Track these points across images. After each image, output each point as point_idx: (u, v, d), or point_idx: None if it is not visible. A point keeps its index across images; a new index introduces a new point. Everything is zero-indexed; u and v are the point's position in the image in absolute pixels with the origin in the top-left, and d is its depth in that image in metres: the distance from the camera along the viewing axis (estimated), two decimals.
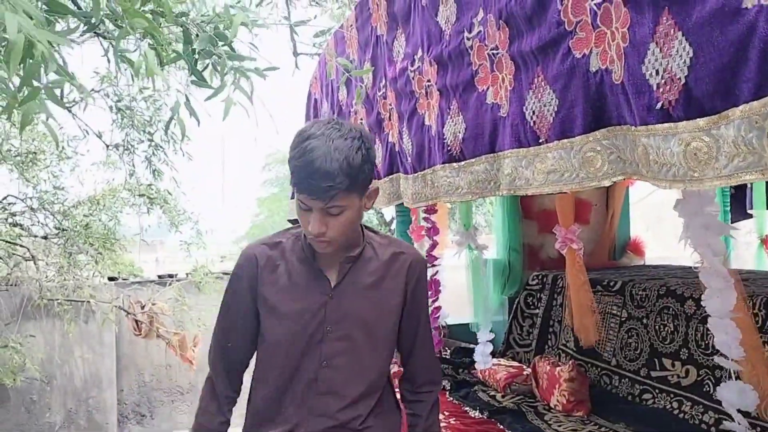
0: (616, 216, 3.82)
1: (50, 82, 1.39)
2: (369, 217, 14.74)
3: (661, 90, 1.12)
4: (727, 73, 0.99)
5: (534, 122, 1.54)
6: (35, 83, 1.41)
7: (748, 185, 3.97)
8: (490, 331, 2.79)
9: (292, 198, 3.87)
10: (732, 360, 1.55)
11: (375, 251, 1.62)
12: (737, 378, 1.61)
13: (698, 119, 1.05)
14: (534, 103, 1.54)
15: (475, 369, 3.08)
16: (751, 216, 4.06)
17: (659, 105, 1.13)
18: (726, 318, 1.54)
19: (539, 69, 1.51)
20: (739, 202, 4.10)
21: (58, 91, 1.59)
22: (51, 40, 1.23)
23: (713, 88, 1.02)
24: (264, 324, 1.58)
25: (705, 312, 1.64)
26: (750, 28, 0.94)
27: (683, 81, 1.07)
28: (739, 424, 1.60)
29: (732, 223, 4.10)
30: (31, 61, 1.31)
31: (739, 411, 1.61)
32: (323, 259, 1.56)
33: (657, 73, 1.13)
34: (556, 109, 1.46)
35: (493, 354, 3.34)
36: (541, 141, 1.52)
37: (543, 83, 1.50)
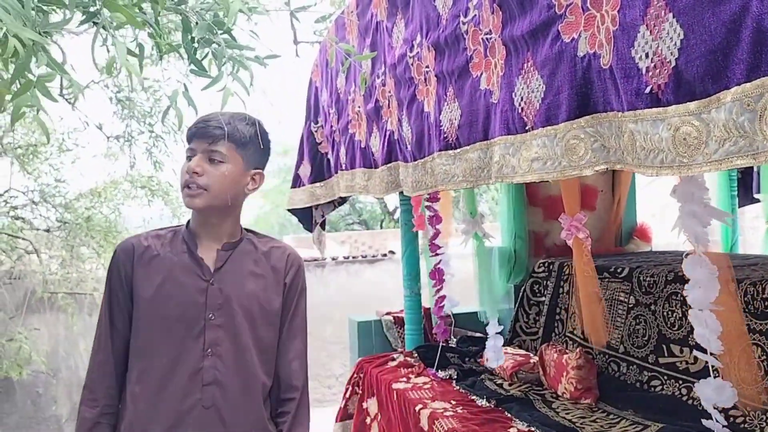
0: (622, 202, 3.78)
1: (41, 75, 1.36)
2: (372, 206, 14.72)
3: (650, 73, 1.10)
4: (718, 55, 0.97)
5: (522, 109, 1.52)
6: (28, 76, 1.38)
7: (755, 170, 3.94)
8: (498, 322, 2.75)
9: (293, 187, 3.85)
10: (711, 354, 1.52)
11: (254, 245, 1.68)
12: (716, 373, 1.57)
13: (688, 103, 1.03)
14: (523, 89, 1.52)
15: (481, 357, 3.06)
16: (758, 201, 4.02)
17: (648, 89, 1.11)
18: (706, 310, 1.50)
19: (529, 54, 1.49)
20: (746, 187, 4.06)
21: (57, 84, 1.56)
22: (33, 39, 1.20)
23: (704, 71, 0.99)
24: (138, 315, 1.57)
25: None
26: (743, 7, 0.92)
27: (673, 64, 1.05)
28: (717, 421, 1.57)
29: (739, 207, 4.07)
30: (19, 55, 1.28)
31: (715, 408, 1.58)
32: (202, 248, 1.61)
33: (647, 56, 1.11)
34: (542, 95, 1.44)
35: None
36: (527, 128, 1.51)
37: (532, 69, 1.48)
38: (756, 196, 4.03)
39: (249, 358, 1.59)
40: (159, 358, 1.54)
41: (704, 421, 1.62)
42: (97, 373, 1.59)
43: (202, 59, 1.84)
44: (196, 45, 1.81)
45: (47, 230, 5.80)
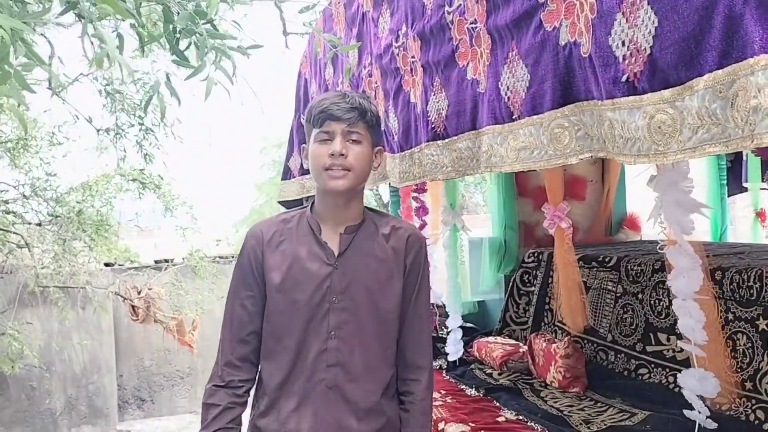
0: (612, 192, 3.79)
1: (19, 65, 1.35)
2: (367, 199, 14.74)
3: (626, 62, 1.11)
4: (691, 42, 0.97)
5: (508, 98, 1.52)
6: (6, 68, 1.37)
7: (744, 158, 3.95)
8: (477, 312, 2.75)
9: (284, 179, 3.85)
10: (695, 344, 1.52)
11: (375, 225, 1.66)
12: (697, 363, 1.58)
13: (663, 90, 1.03)
14: (508, 78, 1.52)
15: (471, 347, 3.07)
16: (746, 189, 4.04)
17: (624, 77, 1.11)
18: (690, 299, 1.51)
19: (513, 43, 1.49)
20: (735, 176, 4.07)
21: (44, 76, 1.55)
22: (13, 27, 1.19)
23: (677, 58, 0.99)
24: (270, 299, 1.60)
25: None
26: None
27: (648, 51, 1.05)
28: (700, 412, 1.58)
29: (728, 196, 4.09)
30: None
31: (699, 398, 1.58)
32: (326, 232, 1.61)
33: (623, 44, 1.11)
34: (527, 84, 1.44)
35: (490, 332, 3.34)
36: (514, 117, 1.51)
37: (517, 58, 1.48)
38: (745, 184, 4.04)
39: (370, 340, 1.60)
40: (288, 340, 1.58)
41: (686, 412, 1.62)
42: (228, 357, 1.63)
43: (185, 50, 1.83)
44: (178, 35, 1.80)
45: (39, 224, 5.76)
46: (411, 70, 2.04)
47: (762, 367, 1.98)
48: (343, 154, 1.53)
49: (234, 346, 1.63)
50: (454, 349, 2.75)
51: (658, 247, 1.62)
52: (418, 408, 1.68)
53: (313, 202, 1.69)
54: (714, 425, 1.61)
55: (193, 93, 1.89)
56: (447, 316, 3.56)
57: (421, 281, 1.70)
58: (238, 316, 1.63)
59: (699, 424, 1.58)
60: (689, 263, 1.54)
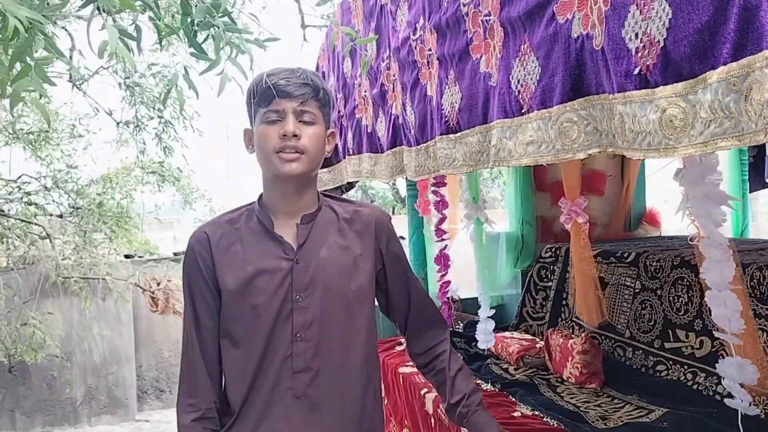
0: (631, 187, 3.75)
1: (39, 59, 1.36)
2: (384, 192, 14.71)
3: (639, 54, 1.09)
4: (705, 34, 0.95)
5: (519, 92, 1.51)
6: (28, 60, 1.38)
7: (766, 154, 3.88)
8: (496, 306, 2.75)
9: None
10: (731, 334, 1.51)
11: (335, 212, 1.54)
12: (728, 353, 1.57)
13: (676, 84, 1.01)
14: (520, 71, 1.50)
15: None
16: None
17: (637, 70, 1.09)
18: (725, 290, 1.50)
19: (526, 36, 1.47)
20: (757, 172, 4.01)
21: (65, 69, 1.56)
22: (29, 17, 1.20)
23: (691, 51, 0.98)
24: (226, 308, 1.46)
25: None
26: None
27: (662, 44, 1.03)
28: (741, 400, 1.57)
29: (750, 192, 4.02)
30: (18, 38, 1.28)
31: (741, 385, 1.58)
32: (280, 224, 1.48)
33: (636, 36, 1.10)
34: (538, 77, 1.43)
35: (507, 327, 3.33)
36: (524, 111, 1.49)
37: (528, 51, 1.46)
38: (767, 180, 3.98)
39: (342, 337, 1.46)
40: (250, 347, 1.43)
41: (727, 401, 1.61)
42: (188, 378, 1.49)
43: (202, 42, 1.84)
44: (195, 28, 1.80)
45: (60, 216, 5.83)
46: (428, 62, 2.03)
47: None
48: (296, 135, 1.40)
49: (199, 369, 1.47)
50: (484, 338, 2.74)
51: (688, 239, 1.61)
52: (455, 363, 1.64)
53: (260, 197, 1.54)
54: (756, 411, 1.60)
55: (211, 87, 1.90)
56: (463, 309, 3.56)
57: (404, 262, 1.64)
58: (197, 333, 1.48)
59: (741, 413, 1.57)
60: (721, 255, 1.53)
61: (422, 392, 2.52)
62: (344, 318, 1.46)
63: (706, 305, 2.27)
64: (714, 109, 0.94)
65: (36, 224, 5.61)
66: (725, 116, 0.93)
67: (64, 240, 5.91)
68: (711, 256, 1.54)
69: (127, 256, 6.63)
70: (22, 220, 5.51)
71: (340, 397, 1.45)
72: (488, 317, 2.75)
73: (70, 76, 3.89)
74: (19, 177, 5.60)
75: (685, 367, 2.32)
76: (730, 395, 1.60)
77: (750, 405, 1.60)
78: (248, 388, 1.43)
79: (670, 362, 2.39)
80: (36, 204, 5.73)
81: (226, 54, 1.73)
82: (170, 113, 5.31)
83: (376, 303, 1.64)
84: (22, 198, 5.56)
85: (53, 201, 5.81)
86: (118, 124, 5.28)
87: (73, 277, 5.73)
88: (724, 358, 1.65)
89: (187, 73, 1.88)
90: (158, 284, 6.01)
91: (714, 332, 1.61)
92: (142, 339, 6.77)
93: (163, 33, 1.88)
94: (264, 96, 1.42)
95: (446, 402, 1.64)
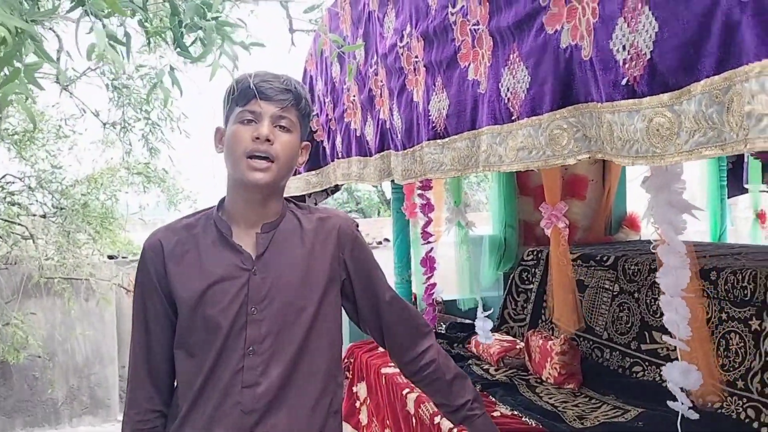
0: (612, 192, 3.83)
1: (29, 63, 1.38)
2: (369, 195, 14.75)
3: (627, 66, 1.14)
4: (690, 48, 1.00)
5: (508, 99, 1.55)
6: (16, 64, 1.41)
7: (745, 160, 3.98)
8: (474, 307, 2.80)
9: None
10: (679, 339, 1.56)
11: (298, 219, 1.48)
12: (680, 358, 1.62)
13: (662, 94, 1.06)
14: (509, 79, 1.55)
15: (469, 343, 3.11)
16: (747, 191, 4.07)
17: (625, 81, 1.14)
18: (677, 297, 1.55)
19: (515, 45, 1.52)
20: (736, 177, 4.11)
21: (52, 71, 1.59)
22: (18, 26, 1.22)
23: (677, 63, 1.02)
24: (180, 317, 1.40)
25: None
26: (713, 1, 0.94)
27: (648, 56, 1.08)
28: (683, 403, 1.62)
29: (729, 198, 4.13)
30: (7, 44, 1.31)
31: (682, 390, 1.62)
32: (239, 233, 1.42)
33: (624, 48, 1.14)
34: (528, 86, 1.47)
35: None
36: (513, 118, 1.53)
37: (518, 60, 1.51)
38: (745, 186, 4.08)
39: (299, 352, 1.40)
40: (201, 359, 1.38)
41: (670, 403, 1.67)
42: (131, 388, 1.45)
43: (190, 45, 1.87)
44: (183, 30, 1.83)
45: (44, 216, 5.80)
46: (414, 69, 2.08)
47: (753, 366, 2.02)
48: (269, 140, 1.34)
49: (144, 379, 1.43)
50: (483, 334, 2.78)
51: (651, 247, 1.66)
52: (450, 367, 1.60)
53: (221, 201, 1.48)
54: (696, 416, 1.65)
55: (199, 91, 1.92)
56: (448, 312, 3.61)
57: (372, 270, 1.57)
58: (146, 342, 1.44)
59: (682, 415, 1.62)
60: (678, 262, 1.57)
61: (404, 392, 2.57)
62: (302, 332, 1.40)
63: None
64: (698, 120, 0.99)
65: (19, 224, 5.59)
66: (709, 126, 0.97)
67: (47, 240, 5.88)
68: (668, 262, 1.58)
69: (110, 257, 6.61)
70: (5, 220, 5.48)
71: (289, 412, 1.39)
72: (486, 316, 2.79)
73: (57, 78, 3.88)
74: (3, 177, 5.57)
75: (661, 368, 2.36)
76: (673, 398, 1.65)
77: (689, 409, 1.64)
78: (195, 399, 1.39)
79: (646, 363, 2.46)
80: (19, 204, 5.70)
81: (215, 54, 1.76)
82: (157, 115, 5.32)
83: (346, 315, 1.60)
84: (5, 198, 5.53)
85: (37, 201, 5.78)
86: (104, 125, 5.28)
87: (56, 278, 5.71)
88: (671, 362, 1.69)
89: (172, 70, 1.90)
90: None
91: (663, 337, 1.66)
92: (126, 339, 6.74)
93: (150, 33, 1.91)
94: (243, 95, 1.36)
95: (447, 406, 1.61)
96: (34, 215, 5.78)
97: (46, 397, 6.25)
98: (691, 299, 1.55)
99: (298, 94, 1.40)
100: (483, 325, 2.78)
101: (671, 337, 1.58)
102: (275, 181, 1.39)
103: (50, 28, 3.75)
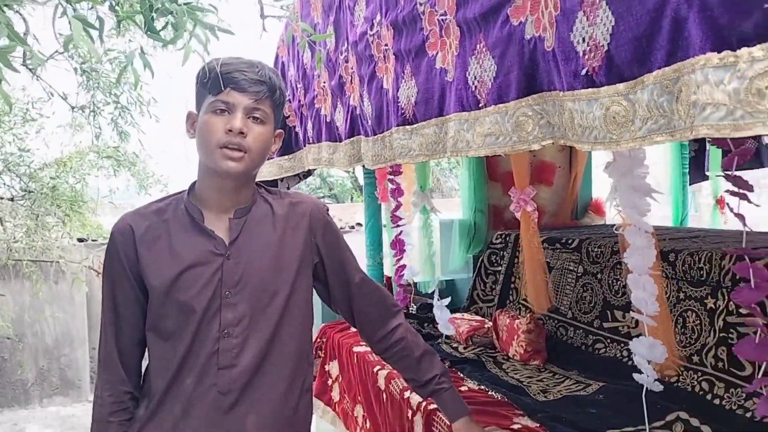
0: (578, 178, 3.93)
1: (2, 47, 1.39)
2: (342, 180, 14.78)
3: (586, 57, 1.20)
4: (643, 41, 1.06)
5: (475, 87, 1.61)
6: None
7: (707, 148, 4.10)
8: (445, 288, 2.85)
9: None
10: (647, 315, 1.65)
11: (269, 204, 1.50)
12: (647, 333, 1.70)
13: (618, 84, 1.12)
14: (476, 68, 1.60)
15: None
16: (708, 178, 4.20)
17: (584, 71, 1.20)
18: (644, 275, 1.63)
19: (481, 36, 1.57)
20: (698, 165, 4.23)
21: (19, 54, 1.59)
22: None
23: (631, 55, 1.09)
24: (152, 303, 1.42)
25: None
26: None
27: (606, 48, 1.14)
28: (648, 376, 1.71)
29: (690, 184, 4.25)
30: None
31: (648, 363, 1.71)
32: (210, 218, 1.44)
33: (583, 40, 1.20)
34: (494, 74, 1.53)
35: (458, 309, 3.47)
36: (480, 105, 1.59)
37: (484, 49, 1.56)
38: (707, 173, 4.20)
39: (272, 334, 1.43)
40: (175, 342, 1.40)
41: (636, 376, 1.75)
42: (102, 371, 1.47)
43: (161, 30, 1.89)
44: (153, 14, 1.85)
45: (11, 199, 5.76)
46: (384, 57, 2.13)
47: (708, 343, 2.12)
48: (242, 133, 1.35)
49: (114, 362, 1.45)
50: (443, 324, 2.85)
51: (614, 229, 1.73)
52: (419, 344, 1.67)
53: (191, 185, 1.49)
54: (660, 387, 1.74)
55: (169, 75, 1.94)
56: (419, 293, 3.69)
57: (343, 253, 1.61)
58: (115, 325, 1.45)
59: (646, 387, 1.71)
60: (644, 242, 1.65)
61: (375, 369, 2.64)
62: (275, 315, 1.43)
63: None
64: (650, 108, 1.05)
65: None
66: (660, 114, 1.04)
67: (15, 223, 5.83)
68: (635, 243, 1.66)
69: (80, 240, 6.58)
70: None
71: (265, 391, 1.43)
72: (443, 304, 2.85)
73: (24, 61, 3.85)
74: None
75: (621, 345, 2.49)
76: (638, 371, 1.74)
77: (654, 381, 1.74)
78: (171, 381, 1.41)
79: (608, 340, 2.56)
80: None
81: (185, 39, 1.78)
82: (127, 99, 5.30)
83: (318, 296, 1.65)
84: None
85: (4, 184, 5.73)
86: (73, 108, 5.24)
87: (24, 260, 5.67)
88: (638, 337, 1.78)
89: (143, 53, 1.92)
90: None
91: (631, 313, 1.74)
92: (96, 321, 6.73)
93: (122, 17, 1.92)
94: (215, 83, 1.36)
95: (416, 381, 1.68)
96: (2, 198, 5.74)
97: (15, 378, 6.24)
98: (656, 277, 1.63)
99: (272, 85, 1.40)
100: (441, 314, 2.83)
101: (639, 313, 1.66)
102: (247, 171, 1.41)
103: (17, 11, 3.71)
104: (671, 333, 1.95)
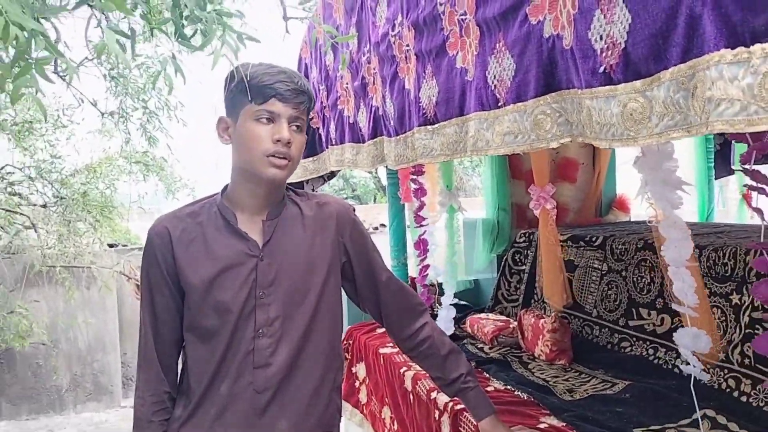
0: (602, 174, 3.91)
1: (39, 58, 1.44)
2: (365, 181, 14.83)
3: (604, 54, 1.21)
4: (659, 38, 1.07)
5: (495, 86, 1.63)
6: (27, 59, 1.48)
7: (733, 143, 4.05)
8: (467, 290, 2.86)
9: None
10: (687, 306, 1.65)
11: (299, 206, 1.55)
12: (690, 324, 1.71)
13: (635, 81, 1.14)
14: (495, 67, 1.62)
15: (464, 323, 3.20)
16: (733, 172, 4.15)
17: (602, 69, 1.21)
18: (682, 267, 1.63)
19: (501, 35, 1.59)
20: (723, 159, 4.19)
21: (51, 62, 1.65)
22: (33, 28, 1.30)
23: (648, 52, 1.10)
24: (189, 304, 1.46)
25: None
26: None
27: (623, 46, 1.16)
28: (694, 366, 1.71)
29: (716, 179, 4.20)
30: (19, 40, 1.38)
31: (693, 354, 1.72)
32: (244, 220, 1.48)
33: (601, 38, 1.22)
34: (513, 73, 1.54)
35: (483, 309, 3.48)
36: (500, 104, 1.61)
37: (503, 49, 1.58)
38: (733, 167, 4.15)
39: (305, 333, 1.47)
40: (214, 342, 1.44)
41: (683, 367, 1.74)
42: (142, 371, 1.51)
43: (191, 37, 1.93)
44: (184, 21, 1.89)
45: (44, 206, 5.87)
46: (406, 57, 2.15)
47: (734, 339, 2.11)
48: (289, 142, 1.41)
49: (154, 362, 1.49)
50: (445, 325, 2.87)
51: (647, 221, 1.74)
52: (445, 343, 1.68)
53: (224, 189, 1.53)
54: (707, 377, 1.73)
55: (199, 80, 1.99)
56: (443, 293, 3.70)
57: (370, 252, 1.64)
58: (153, 326, 1.50)
59: (694, 377, 1.71)
60: (680, 234, 1.65)
61: (401, 370, 2.66)
62: (308, 314, 1.47)
63: (667, 285, 2.43)
64: (667, 105, 1.06)
65: (20, 214, 5.66)
66: (676, 110, 1.05)
67: (48, 230, 5.95)
68: (670, 236, 1.67)
69: (110, 245, 6.69)
70: (7, 210, 5.55)
71: (298, 389, 1.47)
72: (451, 305, 2.87)
73: (55, 68, 3.94)
74: (3, 167, 5.64)
75: (647, 343, 2.48)
76: (687, 363, 1.74)
77: (701, 371, 1.74)
78: (210, 381, 1.45)
79: (634, 339, 2.55)
80: (20, 194, 5.77)
81: (216, 44, 1.82)
82: (155, 104, 5.38)
83: (346, 295, 1.68)
84: (6, 188, 5.59)
85: (37, 191, 5.84)
86: (102, 114, 5.34)
87: (57, 266, 5.79)
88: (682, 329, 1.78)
89: (175, 59, 1.97)
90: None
91: (673, 305, 1.74)
92: (127, 327, 6.84)
93: (153, 24, 1.97)
94: (259, 92, 1.40)
95: (442, 380, 1.70)
96: (35, 205, 5.85)
97: (50, 384, 6.36)
98: (693, 269, 1.63)
99: (310, 96, 1.46)
100: (446, 314, 2.84)
101: (680, 305, 1.66)
102: (288, 177, 1.47)
103: (48, 20, 3.79)
104: (713, 323, 1.94)
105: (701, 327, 1.72)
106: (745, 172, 1.17)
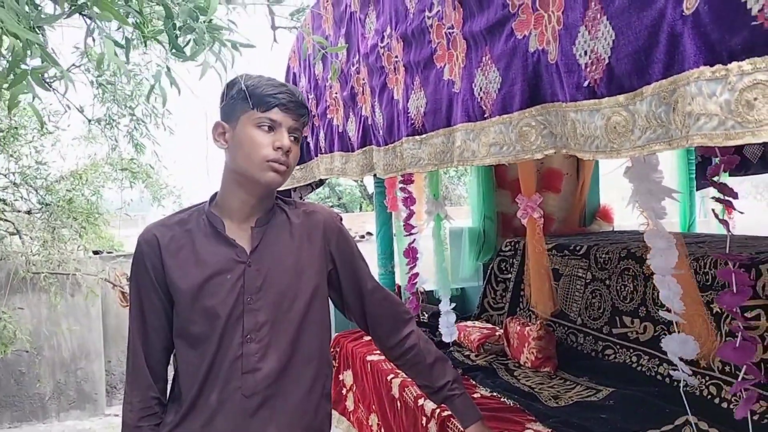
0: (586, 185, 3.97)
1: (35, 67, 1.46)
2: (351, 189, 14.86)
3: (588, 69, 1.24)
4: (641, 54, 1.11)
5: (481, 98, 1.66)
6: (23, 66, 1.49)
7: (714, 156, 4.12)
8: (453, 298, 2.89)
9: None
10: (674, 313, 1.68)
11: (286, 214, 1.57)
12: (679, 330, 1.75)
13: (618, 95, 1.17)
14: (482, 80, 1.65)
15: None
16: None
17: (586, 83, 1.25)
18: (668, 275, 1.67)
19: (487, 48, 1.62)
20: (704, 171, 4.26)
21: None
22: (29, 38, 1.32)
23: (631, 68, 1.14)
24: (179, 310, 1.49)
25: None
26: (660, 13, 1.05)
27: (607, 61, 1.19)
28: (682, 371, 1.74)
29: (697, 190, 4.28)
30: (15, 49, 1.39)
31: (681, 359, 1.75)
32: (232, 227, 1.51)
33: (585, 53, 1.25)
34: (499, 86, 1.57)
35: (469, 317, 3.51)
36: (486, 116, 1.64)
37: (489, 62, 1.61)
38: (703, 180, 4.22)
39: (293, 339, 1.49)
40: (203, 348, 1.46)
41: (673, 372, 1.76)
42: (131, 377, 1.53)
43: (184, 47, 1.95)
44: (177, 32, 1.92)
45: (28, 212, 5.84)
46: (394, 69, 2.18)
47: (715, 347, 2.15)
48: (289, 151, 1.46)
49: (143, 368, 1.51)
50: (447, 331, 2.90)
51: (639, 226, 1.77)
52: (431, 351, 1.70)
53: (212, 197, 1.56)
54: (696, 382, 1.75)
55: (191, 90, 2.01)
56: (431, 301, 3.73)
57: (356, 261, 1.66)
58: (142, 333, 1.51)
59: (684, 381, 1.74)
60: (665, 243, 1.68)
61: (389, 378, 2.68)
62: (296, 320, 1.49)
63: (650, 293, 2.48)
64: (649, 118, 1.10)
65: (4, 220, 5.63)
66: (658, 124, 1.09)
67: (32, 236, 5.92)
68: (655, 245, 1.70)
69: (95, 252, 6.66)
70: None
71: (287, 395, 1.48)
72: (449, 310, 2.90)
73: (42, 75, 3.93)
74: None
75: (631, 350, 2.52)
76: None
77: (689, 376, 1.76)
78: (200, 387, 1.46)
79: (617, 346, 2.59)
80: (4, 200, 5.74)
81: (207, 55, 1.85)
82: (142, 111, 5.38)
83: (332, 304, 1.69)
84: None
85: (22, 197, 5.81)
86: (89, 121, 5.33)
87: (42, 273, 5.75)
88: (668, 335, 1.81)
89: (169, 70, 1.99)
90: (128, 279, 6.04)
91: (660, 312, 1.78)
92: (111, 334, 6.81)
93: (147, 35, 1.99)
94: (262, 101, 1.45)
95: (429, 387, 1.72)
96: (19, 211, 5.82)
97: (33, 391, 6.31)
98: (684, 276, 1.67)
99: (308, 111, 1.53)
100: (447, 319, 2.87)
101: (666, 311, 1.69)
102: (282, 184, 1.50)
103: (42, 29, 3.79)
104: (707, 324, 1.97)
105: (698, 332, 1.75)
106: (713, 184, 1.21)
